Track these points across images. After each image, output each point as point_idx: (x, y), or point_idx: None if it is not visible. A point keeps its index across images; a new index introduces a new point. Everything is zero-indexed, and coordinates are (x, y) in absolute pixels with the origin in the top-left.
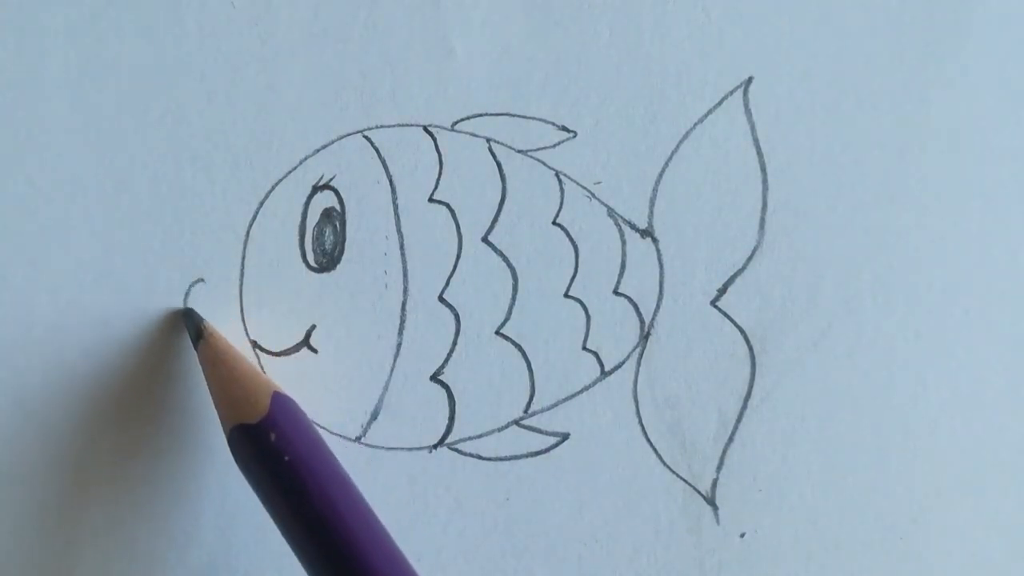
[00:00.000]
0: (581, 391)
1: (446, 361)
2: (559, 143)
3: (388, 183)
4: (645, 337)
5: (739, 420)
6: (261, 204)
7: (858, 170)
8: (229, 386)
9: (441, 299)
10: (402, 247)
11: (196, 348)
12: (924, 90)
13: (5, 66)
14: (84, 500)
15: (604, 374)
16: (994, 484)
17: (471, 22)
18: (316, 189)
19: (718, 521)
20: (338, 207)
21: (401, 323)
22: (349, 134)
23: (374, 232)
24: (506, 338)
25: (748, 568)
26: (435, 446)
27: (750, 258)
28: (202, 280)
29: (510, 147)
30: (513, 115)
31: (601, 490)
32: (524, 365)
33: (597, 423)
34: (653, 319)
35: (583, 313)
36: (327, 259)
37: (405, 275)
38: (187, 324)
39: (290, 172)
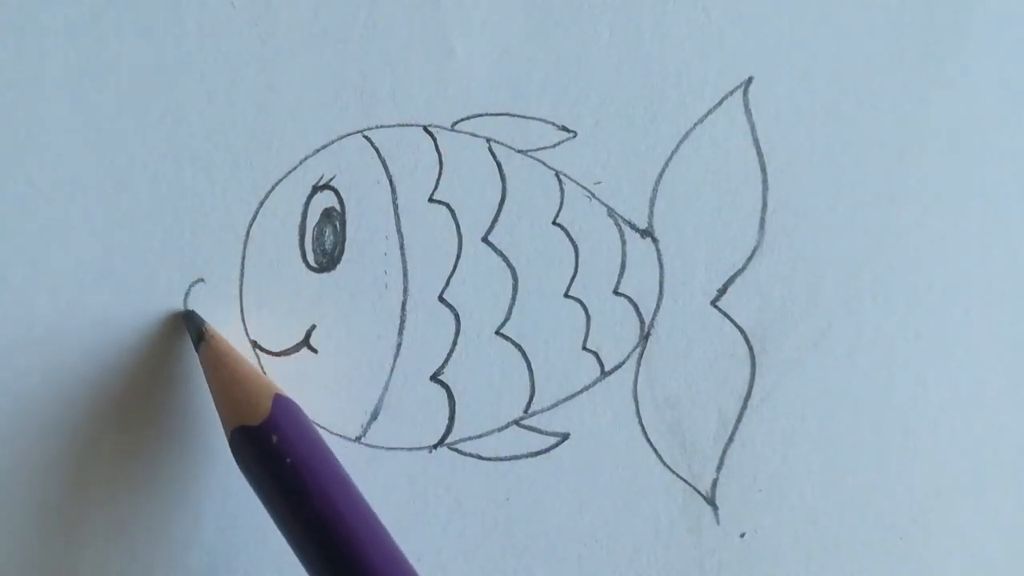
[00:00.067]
0: (581, 391)
1: (446, 361)
2: (559, 143)
3: (388, 183)
4: (645, 337)
5: (739, 420)
6: (261, 204)
7: (858, 170)
8: (230, 388)
9: (441, 299)
10: (402, 247)
11: (197, 350)
12: (924, 90)
13: (5, 66)
14: (85, 501)
15: (604, 374)
16: (994, 484)
17: (471, 22)
18: (316, 189)
19: (718, 521)
20: (338, 207)
21: (401, 323)
22: (349, 134)
23: (374, 232)
24: (506, 338)
25: (748, 568)
26: (435, 446)
27: (750, 258)
28: (202, 280)
29: (510, 147)
30: (513, 115)
31: (601, 490)
32: (524, 365)
33: (597, 423)
34: (653, 319)
35: (583, 313)
36: (327, 259)
37: (405, 275)
38: (188, 326)
39: (290, 172)
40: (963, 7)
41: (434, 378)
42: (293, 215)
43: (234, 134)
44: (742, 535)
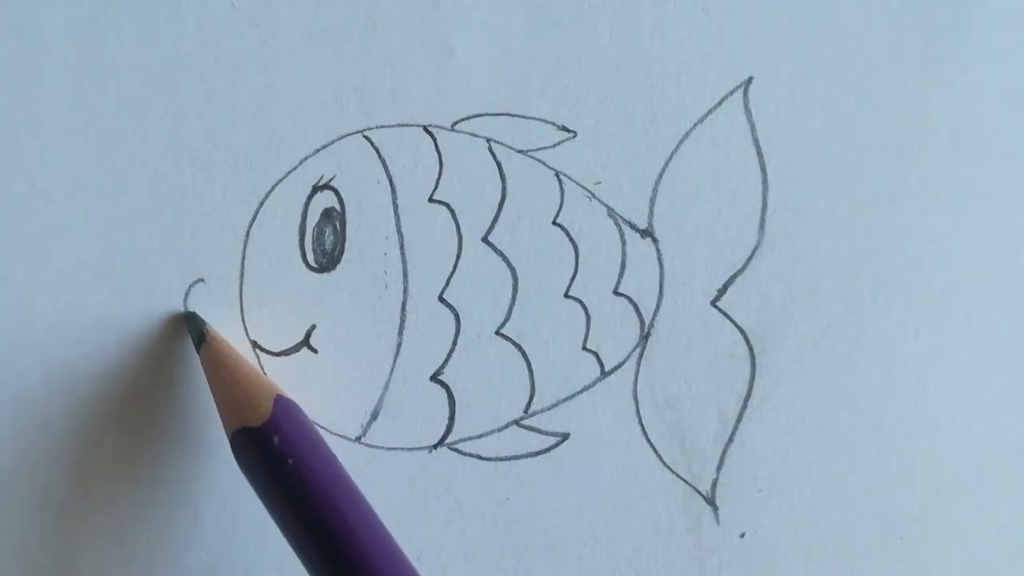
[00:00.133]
0: (581, 391)
1: (446, 361)
2: (559, 143)
3: (388, 183)
4: (645, 337)
5: (739, 420)
6: (261, 204)
7: (858, 170)
8: (232, 389)
9: (441, 299)
10: (402, 247)
11: (198, 351)
12: (924, 90)
13: (5, 66)
14: (86, 502)
15: (604, 374)
16: (994, 484)
17: (471, 22)
18: (316, 189)
19: (718, 521)
20: (338, 207)
21: (401, 323)
22: (349, 134)
23: (374, 232)
24: (506, 338)
25: (748, 568)
26: (435, 446)
27: (750, 258)
28: (202, 280)
29: (510, 147)
30: (513, 115)
31: (601, 490)
32: (524, 365)
33: (597, 423)
34: (653, 319)
35: (583, 313)
36: (327, 259)
37: (405, 275)
38: (189, 327)
39: (290, 172)
40: (963, 7)
41: (434, 378)
42: (293, 215)
43: (234, 134)
44: (742, 535)
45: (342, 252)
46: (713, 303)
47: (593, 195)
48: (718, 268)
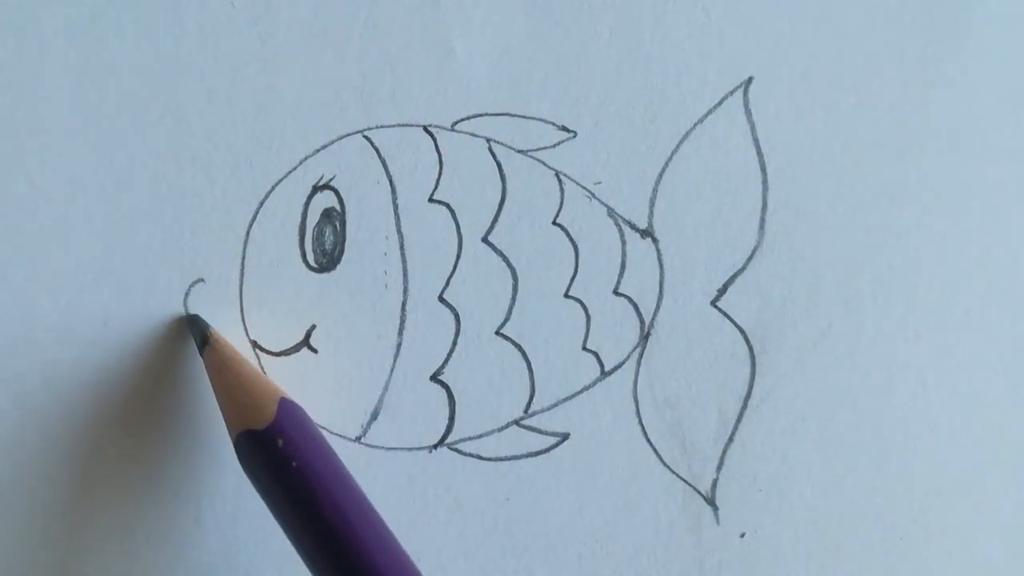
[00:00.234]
0: (581, 391)
1: (446, 361)
2: (559, 143)
3: (388, 183)
4: (645, 337)
5: (739, 420)
6: (261, 204)
7: (858, 170)
8: (236, 392)
9: (441, 299)
10: (402, 247)
11: (202, 354)
12: (924, 90)
13: (5, 66)
14: (87, 504)
15: (604, 374)
16: (994, 484)
17: (471, 22)
18: (316, 189)
19: (718, 521)
20: (338, 207)
21: (401, 323)
22: (349, 134)
23: (374, 232)
24: (506, 338)
25: (748, 568)
26: (435, 446)
27: (750, 258)
28: (202, 280)
29: (510, 147)
30: (513, 115)
31: (601, 490)
32: (524, 365)
33: (597, 423)
34: (653, 319)
35: (583, 313)
36: (327, 259)
37: (405, 275)
38: (193, 330)
39: (290, 172)
40: (963, 7)
41: (434, 378)
42: (293, 215)
43: (234, 134)
44: (742, 535)
45: (342, 252)
46: (713, 303)
47: (593, 195)
48: (718, 268)
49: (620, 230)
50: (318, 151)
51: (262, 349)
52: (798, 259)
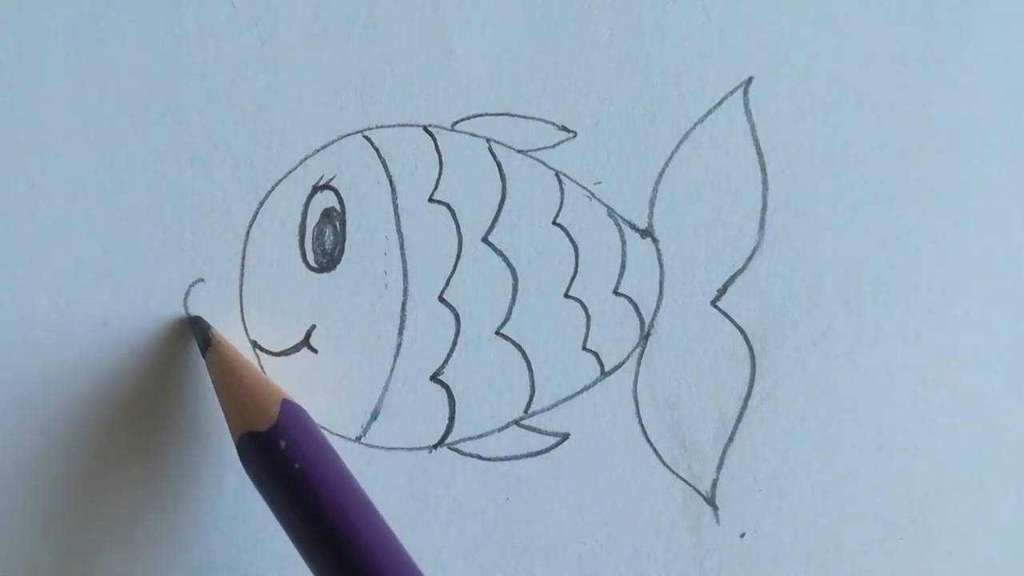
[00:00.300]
0: (581, 391)
1: (446, 361)
2: (559, 143)
3: (388, 183)
4: (645, 337)
5: (739, 420)
6: (261, 204)
7: (858, 170)
8: (238, 394)
9: (441, 299)
10: (402, 247)
11: (204, 356)
12: (924, 90)
13: (5, 66)
14: (88, 505)
15: (604, 374)
16: (994, 484)
17: (471, 22)
18: (316, 189)
19: (718, 521)
20: (338, 207)
21: (401, 323)
22: (349, 134)
23: (374, 232)
24: (506, 338)
25: (748, 568)
26: (435, 446)
27: (750, 258)
28: (202, 280)
29: (510, 147)
30: (513, 115)
31: (601, 490)
32: (524, 365)
33: (597, 423)
34: (653, 319)
35: (583, 313)
36: (327, 259)
37: (405, 275)
38: (195, 332)
39: (290, 172)
40: (963, 7)
41: (434, 378)
42: (293, 215)
43: (234, 134)
44: (742, 535)
45: (342, 252)
46: (713, 303)
47: (593, 195)
48: (718, 268)
49: (620, 230)
50: (318, 151)
51: (262, 349)
52: (798, 259)
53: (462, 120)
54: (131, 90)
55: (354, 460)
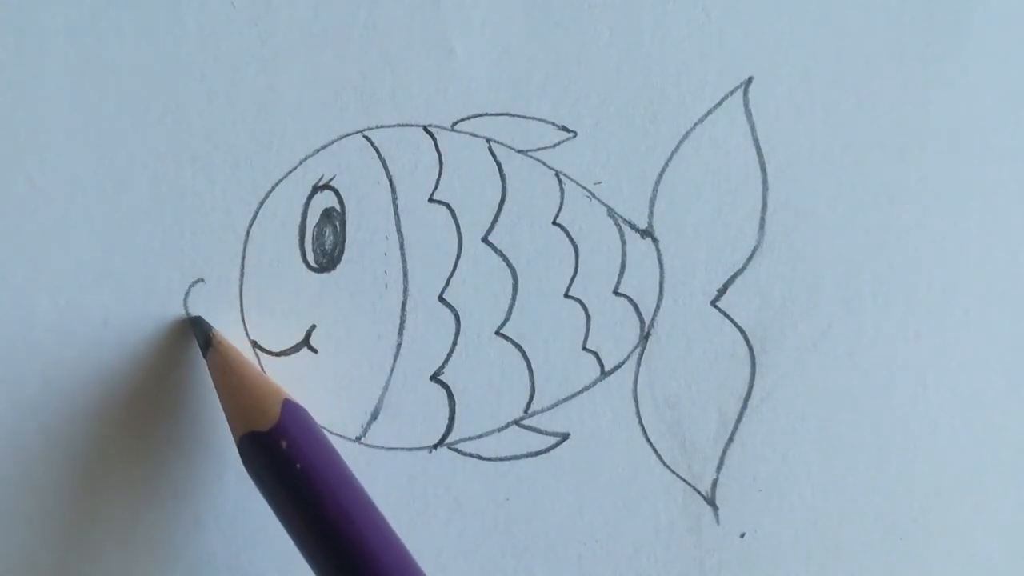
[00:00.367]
0: (581, 391)
1: (446, 361)
2: (559, 143)
3: (388, 183)
4: (645, 337)
5: (739, 420)
6: (261, 204)
7: (858, 170)
8: (239, 394)
9: (441, 299)
10: (402, 247)
11: (205, 356)
12: (924, 90)
13: (5, 66)
14: (88, 506)
15: (604, 374)
16: (994, 484)
17: (471, 22)
18: (316, 189)
19: (718, 521)
20: (338, 207)
21: (401, 323)
22: (349, 134)
23: (374, 232)
24: (506, 338)
25: (748, 568)
26: (435, 446)
27: (750, 258)
28: (202, 280)
29: (510, 147)
30: (513, 115)
31: (601, 490)
32: (524, 365)
33: (597, 423)
34: (653, 319)
35: (583, 313)
36: (327, 259)
37: (405, 275)
38: (196, 332)
39: (290, 172)
40: (963, 7)
41: (434, 378)
42: (293, 215)
43: (234, 134)
44: (742, 535)
45: (342, 252)
46: (713, 303)
47: (593, 195)
48: (718, 268)
49: (620, 230)
50: (318, 151)
51: (262, 349)
52: (798, 259)
53: (462, 120)
54: (131, 90)
55: (354, 460)
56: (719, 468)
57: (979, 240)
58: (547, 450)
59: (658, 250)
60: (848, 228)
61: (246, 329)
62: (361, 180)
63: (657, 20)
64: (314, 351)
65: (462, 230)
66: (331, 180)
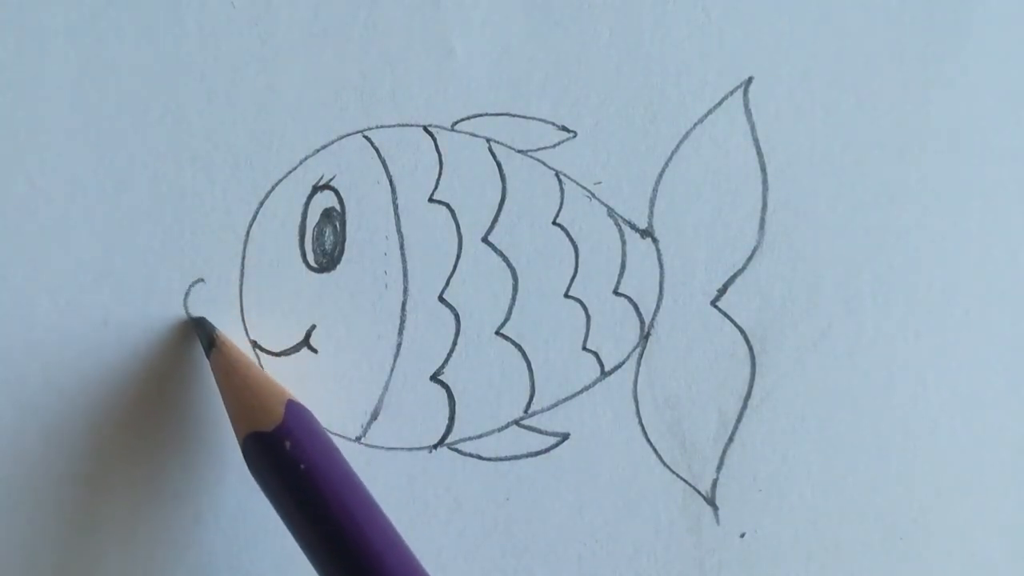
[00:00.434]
0: (581, 391)
1: (446, 361)
2: (559, 143)
3: (388, 183)
4: (645, 337)
5: (739, 420)
6: (261, 204)
7: (858, 170)
8: (243, 394)
9: (441, 299)
10: (402, 247)
11: (208, 357)
12: (924, 90)
13: (5, 66)
14: (89, 506)
15: (604, 374)
16: (994, 484)
17: (471, 22)
18: (316, 189)
19: (718, 521)
20: (338, 207)
21: (401, 323)
22: (349, 134)
23: (374, 232)
24: (506, 338)
25: (748, 568)
26: (435, 446)
27: (750, 258)
28: (202, 280)
29: (510, 147)
30: (513, 115)
31: (601, 490)
32: (524, 365)
33: (597, 423)
34: (653, 319)
35: (583, 313)
36: (327, 259)
37: (405, 275)
38: (199, 333)
39: (290, 172)
40: (963, 7)
41: (434, 378)
42: (293, 215)
43: (234, 134)
44: (742, 535)
45: (342, 252)
46: (713, 303)
47: (593, 195)
48: (718, 268)
49: (620, 230)
50: (318, 151)
51: (262, 349)
52: (798, 259)
53: (462, 120)
54: (131, 90)
55: (354, 460)
56: (719, 468)
57: (979, 240)
58: (547, 450)
59: (658, 250)
60: (848, 228)
61: (246, 329)
62: (361, 180)
63: (657, 20)
64: (314, 351)
65: (462, 230)
66: (331, 180)
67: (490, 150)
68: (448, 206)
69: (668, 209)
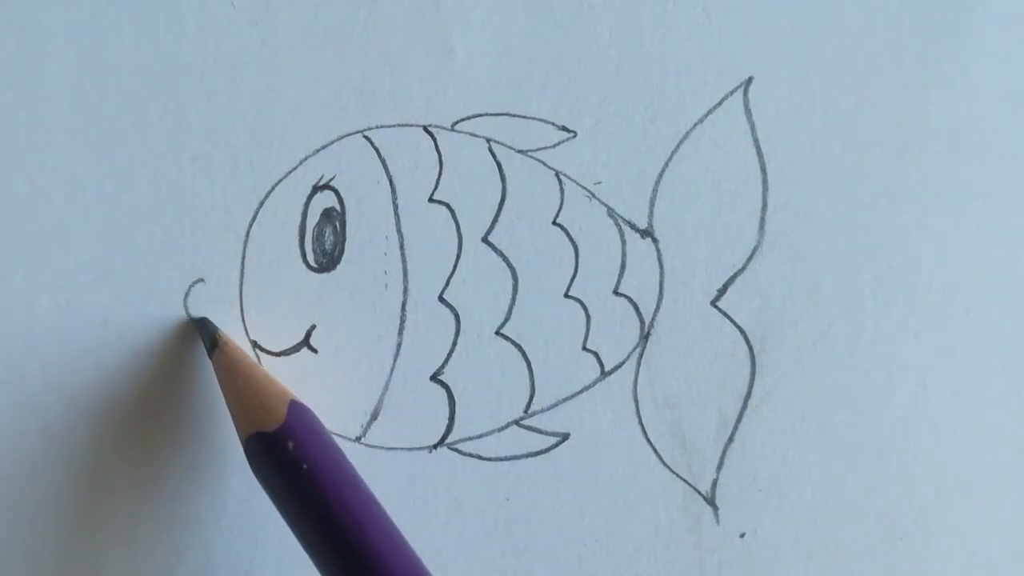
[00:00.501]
0: (581, 391)
1: (446, 361)
2: (559, 143)
3: (388, 183)
4: (645, 337)
5: (739, 420)
6: (261, 204)
7: (858, 170)
8: (245, 395)
9: (441, 299)
10: (402, 247)
11: (211, 357)
12: (924, 90)
13: (5, 66)
14: (89, 506)
15: (604, 374)
16: (994, 484)
17: (471, 22)
18: (316, 189)
19: (718, 521)
20: (338, 207)
21: (401, 323)
22: (349, 134)
23: (374, 232)
24: (506, 338)
25: (748, 568)
26: (435, 446)
27: (750, 258)
28: (202, 280)
29: (510, 147)
30: (513, 115)
31: (601, 490)
32: (524, 365)
33: (597, 423)
34: (653, 319)
35: (583, 313)
36: (327, 259)
37: (405, 275)
38: (202, 333)
39: (290, 172)
40: (963, 7)
41: (434, 378)
42: (293, 215)
43: (234, 134)
44: (742, 535)
45: (342, 252)
46: (713, 303)
47: (593, 195)
48: (718, 268)
49: (620, 230)
50: (318, 151)
51: (262, 349)
52: (798, 259)
53: (462, 120)
54: (131, 90)
55: (354, 460)
56: (719, 468)
57: (979, 240)
58: (547, 450)
59: (658, 250)
60: (848, 228)
61: (246, 329)
62: (361, 180)
63: (657, 20)
64: (314, 351)
65: (462, 230)
66: (331, 180)
67: (490, 150)
68: (448, 206)
69: (668, 209)
